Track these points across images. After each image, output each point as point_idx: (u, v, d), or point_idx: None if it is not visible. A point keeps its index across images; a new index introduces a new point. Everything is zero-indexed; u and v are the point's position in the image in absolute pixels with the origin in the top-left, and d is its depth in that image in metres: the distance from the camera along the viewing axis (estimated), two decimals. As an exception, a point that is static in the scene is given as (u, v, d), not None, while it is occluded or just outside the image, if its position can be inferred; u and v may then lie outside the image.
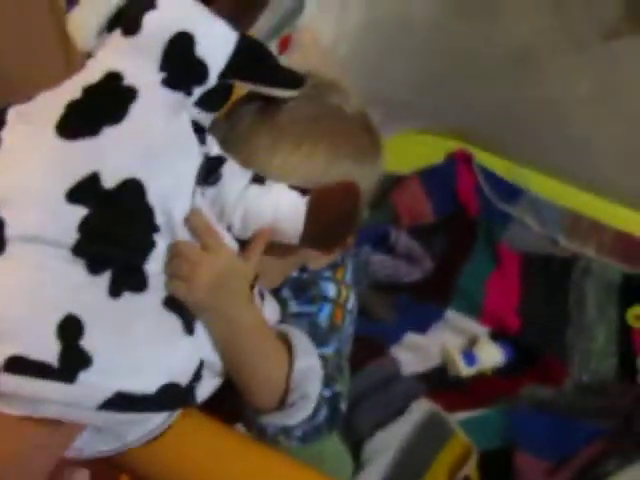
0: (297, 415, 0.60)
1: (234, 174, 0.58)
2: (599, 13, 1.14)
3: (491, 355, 1.11)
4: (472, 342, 1.13)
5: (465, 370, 1.08)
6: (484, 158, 1.35)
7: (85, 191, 0.49)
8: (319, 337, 0.66)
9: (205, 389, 0.55)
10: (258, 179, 0.58)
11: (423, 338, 1.13)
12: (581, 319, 1.20)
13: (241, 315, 0.57)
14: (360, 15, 1.13)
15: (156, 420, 0.53)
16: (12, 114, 0.53)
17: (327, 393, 0.63)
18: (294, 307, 0.69)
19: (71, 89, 0.53)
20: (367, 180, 0.67)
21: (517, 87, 1.27)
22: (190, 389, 0.53)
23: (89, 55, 0.55)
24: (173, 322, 0.52)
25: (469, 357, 1.09)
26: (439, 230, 1.25)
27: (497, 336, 1.14)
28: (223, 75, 0.55)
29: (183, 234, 0.54)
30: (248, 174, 0.58)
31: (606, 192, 1.32)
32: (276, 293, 0.67)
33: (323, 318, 0.69)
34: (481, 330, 1.15)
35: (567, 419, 1.07)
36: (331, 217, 0.59)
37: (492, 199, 1.32)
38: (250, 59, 0.56)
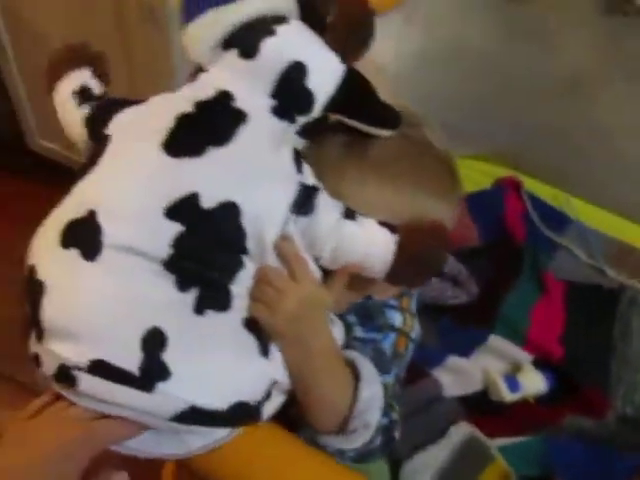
0: (356, 441, 0.61)
1: (327, 206, 0.58)
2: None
3: (534, 382, 1.10)
4: (515, 368, 1.13)
5: (508, 396, 1.08)
6: (533, 185, 1.35)
7: (184, 209, 0.51)
8: (382, 364, 0.67)
9: (271, 407, 0.57)
10: (350, 214, 0.59)
11: (466, 362, 1.13)
12: (626, 351, 1.19)
13: (316, 342, 0.59)
14: (416, 42, 1.16)
15: (222, 432, 0.55)
16: (116, 124, 0.55)
17: (384, 421, 0.65)
18: (359, 332, 0.70)
19: (182, 100, 0.54)
20: (446, 217, 0.68)
21: (568, 115, 1.27)
22: (258, 407, 0.54)
23: (200, 68, 0.56)
24: (251, 343, 0.54)
25: (512, 383, 1.09)
26: (485, 255, 1.26)
27: (540, 364, 1.14)
28: (326, 107, 0.56)
29: (272, 259, 0.55)
30: (340, 207, 0.59)
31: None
32: (341, 317, 0.68)
33: (387, 346, 0.70)
34: (524, 357, 1.15)
35: (608, 451, 1.06)
36: (419, 255, 0.59)
37: (540, 227, 1.32)
38: (354, 94, 0.57)
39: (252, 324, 0.54)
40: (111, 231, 0.51)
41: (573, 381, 1.12)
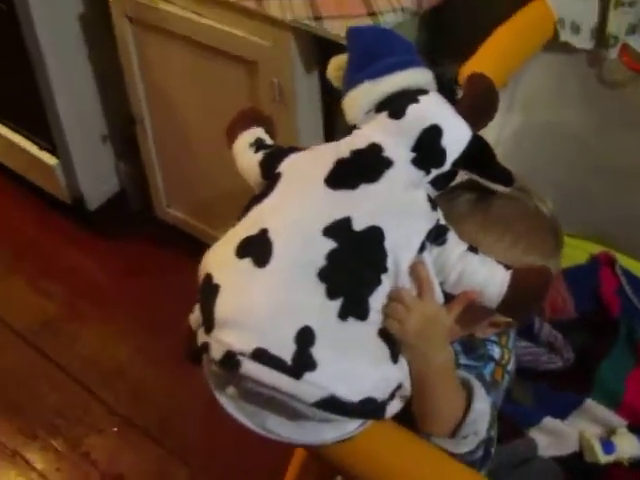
0: (464, 446, 0.70)
1: (456, 240, 0.70)
2: None
3: (629, 445, 1.13)
4: (610, 432, 1.17)
5: (603, 457, 1.11)
6: (627, 262, 1.41)
7: (338, 229, 0.62)
8: (485, 388, 0.77)
9: (394, 407, 0.65)
10: (473, 249, 0.70)
11: (562, 423, 1.18)
12: None
13: (436, 356, 0.68)
14: (515, 125, 1.26)
15: (352, 426, 0.63)
16: (286, 164, 0.69)
17: (488, 434, 0.74)
18: (463, 360, 0.81)
19: (339, 150, 0.67)
20: None
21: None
22: (384, 405, 0.63)
23: (354, 126, 0.70)
24: (383, 350, 0.63)
25: (607, 445, 1.12)
26: (581, 325, 1.31)
27: (635, 430, 1.18)
28: (455, 163, 0.69)
29: (404, 279, 0.65)
30: (466, 244, 0.70)
31: None
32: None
33: (487, 373, 0.81)
34: (619, 421, 1.18)
35: None
36: (527, 291, 0.69)
37: (634, 300, 1.37)
38: (478, 154, 0.70)
39: (385, 334, 0.64)
40: (279, 244, 0.63)
41: (669, 449, 1.15)
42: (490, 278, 0.68)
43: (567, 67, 1.28)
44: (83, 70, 1.74)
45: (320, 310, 0.60)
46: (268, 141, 0.78)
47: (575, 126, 1.35)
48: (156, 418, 1.60)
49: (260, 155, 0.74)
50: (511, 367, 0.87)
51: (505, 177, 0.74)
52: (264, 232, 0.63)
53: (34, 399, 1.65)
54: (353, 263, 0.62)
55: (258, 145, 0.75)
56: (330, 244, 0.62)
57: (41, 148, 1.88)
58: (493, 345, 0.85)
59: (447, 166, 0.69)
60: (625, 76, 1.27)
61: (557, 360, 1.24)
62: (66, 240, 2.00)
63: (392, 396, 0.64)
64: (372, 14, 1.19)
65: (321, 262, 0.61)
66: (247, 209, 0.68)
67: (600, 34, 1.21)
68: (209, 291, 0.63)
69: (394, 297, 0.65)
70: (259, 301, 0.60)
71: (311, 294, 0.61)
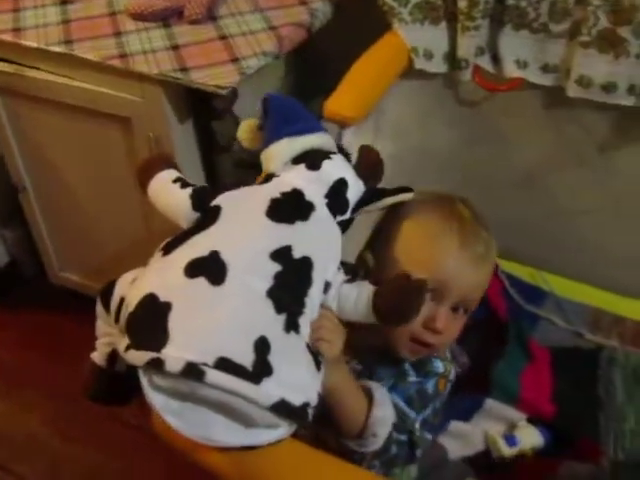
0: (367, 447, 0.81)
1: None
2: (594, 132, 1.33)
3: (530, 436, 1.21)
4: (512, 427, 1.24)
5: (507, 451, 1.18)
6: (509, 266, 1.50)
7: (282, 255, 0.71)
8: (423, 401, 0.90)
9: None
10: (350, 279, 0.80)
11: (466, 426, 1.24)
12: (611, 403, 1.30)
13: (345, 369, 0.82)
14: (388, 149, 1.33)
15: (282, 431, 0.67)
16: (223, 199, 0.77)
17: (402, 437, 0.85)
18: (412, 378, 0.93)
19: (269, 191, 0.78)
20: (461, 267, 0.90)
21: (529, 202, 1.44)
22: (311, 410, 0.68)
23: (271, 174, 0.81)
24: (312, 361, 0.70)
25: (510, 439, 1.19)
26: (472, 330, 1.38)
27: (534, 422, 1.25)
28: (353, 211, 0.82)
29: (329, 302, 0.77)
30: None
31: (622, 288, 1.46)
32: (400, 365, 0.94)
33: (430, 387, 0.94)
34: (519, 416, 1.26)
35: (606, 494, 1.16)
36: (395, 299, 0.77)
37: (519, 301, 1.46)
38: (367, 198, 0.84)
39: (310, 348, 0.72)
40: (233, 265, 0.69)
41: (566, 434, 1.23)
42: (358, 295, 0.78)
43: (427, 92, 1.36)
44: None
45: (271, 323, 0.67)
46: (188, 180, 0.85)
47: (443, 146, 1.44)
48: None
49: (189, 190, 0.80)
50: (452, 376, 0.99)
51: (398, 190, 0.87)
52: (216, 254, 0.70)
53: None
54: (293, 285, 0.71)
55: (183, 182, 0.82)
56: (276, 267, 0.70)
57: None
58: (437, 361, 0.97)
59: (348, 214, 0.82)
60: (480, 95, 1.37)
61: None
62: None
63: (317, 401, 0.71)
64: (235, 60, 1.23)
65: (270, 282, 0.69)
66: (180, 241, 0.73)
67: (452, 58, 1.31)
68: (155, 310, 0.66)
69: (321, 317, 0.74)
70: (219, 315, 0.66)
71: (263, 309, 0.68)
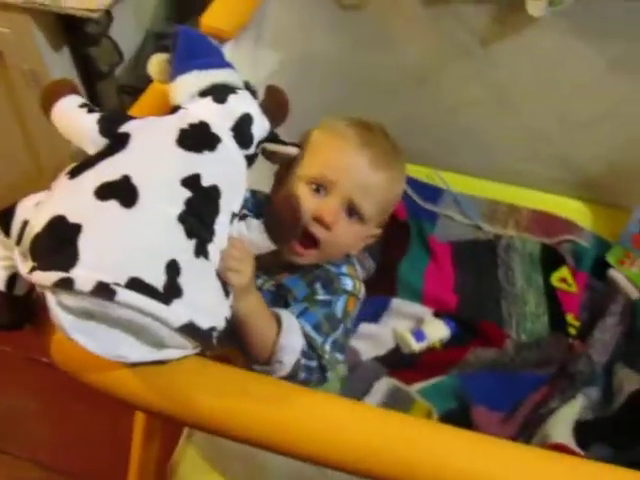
0: (274, 373, 0.82)
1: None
2: (474, 26, 1.33)
3: (437, 329, 1.25)
4: (419, 322, 1.27)
5: (416, 345, 1.22)
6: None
7: (192, 182, 0.72)
8: (333, 324, 0.89)
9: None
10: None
11: (376, 327, 1.27)
12: (512, 289, 1.36)
13: (254, 296, 0.81)
14: (272, 60, 1.31)
15: (189, 351, 0.69)
16: (132, 126, 0.76)
17: (312, 363, 0.85)
18: (321, 296, 0.92)
19: (175, 122, 0.77)
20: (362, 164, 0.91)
21: (418, 100, 1.45)
22: (216, 332, 0.69)
23: (177, 107, 0.81)
24: (220, 287, 0.72)
25: (418, 334, 1.23)
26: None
27: (440, 315, 1.29)
28: (257, 146, 0.84)
29: (234, 234, 0.77)
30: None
31: (514, 178, 1.51)
32: (312, 285, 0.93)
33: (339, 308, 0.92)
34: (425, 311, 1.30)
35: (512, 373, 1.22)
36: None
37: (418, 202, 1.49)
38: (270, 138, 0.86)
39: (218, 275, 0.73)
40: (144, 188, 0.68)
41: (471, 323, 1.28)
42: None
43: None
44: None
45: (182, 247, 0.68)
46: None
47: (327, 52, 1.42)
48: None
49: (97, 115, 0.78)
50: (362, 294, 0.98)
51: (293, 144, 0.90)
52: (127, 178, 0.69)
53: None
54: (202, 211, 0.72)
55: (89, 108, 0.80)
56: (187, 193, 0.70)
57: None
58: (346, 278, 0.96)
59: (252, 149, 0.83)
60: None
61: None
62: None
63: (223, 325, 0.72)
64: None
65: (181, 207, 0.69)
66: (88, 165, 0.72)
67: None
68: (65, 231, 0.65)
69: (230, 248, 0.75)
70: (131, 237, 0.65)
71: (174, 233, 0.68)
